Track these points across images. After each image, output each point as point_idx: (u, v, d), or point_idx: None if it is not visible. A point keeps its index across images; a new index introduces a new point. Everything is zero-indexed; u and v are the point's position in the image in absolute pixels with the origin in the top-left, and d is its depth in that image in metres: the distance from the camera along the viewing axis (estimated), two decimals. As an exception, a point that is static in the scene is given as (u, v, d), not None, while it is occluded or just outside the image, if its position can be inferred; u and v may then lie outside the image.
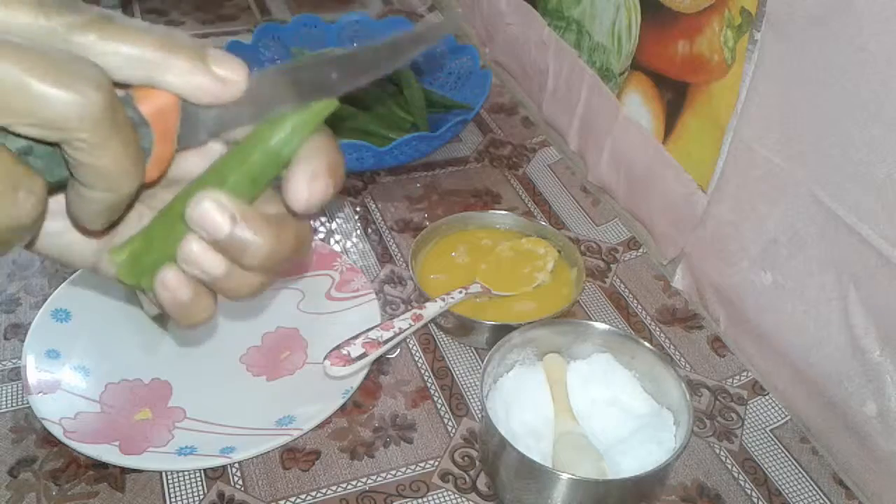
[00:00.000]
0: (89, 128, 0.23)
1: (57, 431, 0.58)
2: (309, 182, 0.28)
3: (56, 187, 0.26)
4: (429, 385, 0.66)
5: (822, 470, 0.61)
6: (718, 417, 0.65)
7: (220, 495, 0.57)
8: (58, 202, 0.30)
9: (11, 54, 0.23)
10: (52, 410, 0.59)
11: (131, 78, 0.26)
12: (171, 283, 0.29)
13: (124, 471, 0.58)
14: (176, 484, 0.58)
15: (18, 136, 0.24)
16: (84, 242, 0.32)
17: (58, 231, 0.31)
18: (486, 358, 0.60)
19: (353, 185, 0.88)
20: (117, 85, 0.25)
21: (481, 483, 0.59)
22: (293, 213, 0.29)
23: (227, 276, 0.29)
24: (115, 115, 0.24)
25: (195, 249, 0.28)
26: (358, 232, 0.82)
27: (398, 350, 0.69)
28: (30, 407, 0.60)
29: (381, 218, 0.84)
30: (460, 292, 0.69)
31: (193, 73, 0.26)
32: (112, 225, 0.29)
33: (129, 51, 0.25)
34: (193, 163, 0.31)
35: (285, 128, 0.28)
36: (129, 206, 0.28)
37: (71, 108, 0.23)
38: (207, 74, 0.26)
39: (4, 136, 0.24)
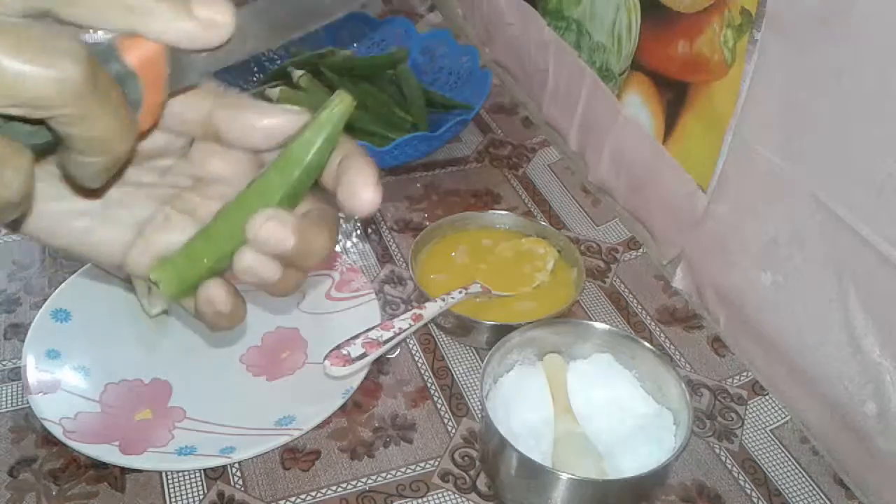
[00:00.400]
0: (72, 101, 0.23)
1: (57, 431, 0.58)
2: (373, 188, 0.30)
3: (43, 151, 0.26)
4: (429, 385, 0.66)
5: (822, 470, 0.61)
6: (718, 417, 0.65)
7: (220, 495, 0.57)
8: (84, 202, 0.31)
9: None
10: (52, 410, 0.59)
11: (115, 28, 0.25)
12: (217, 298, 0.30)
13: (124, 471, 0.58)
14: (176, 484, 0.58)
15: None
16: (111, 242, 0.32)
17: (85, 229, 0.31)
18: (486, 358, 0.60)
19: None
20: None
21: (481, 483, 0.59)
22: (350, 214, 0.31)
23: (281, 279, 0.30)
24: (96, 84, 0.23)
25: (250, 261, 0.29)
26: (358, 232, 0.82)
27: (398, 350, 0.69)
28: (30, 407, 0.60)
29: (381, 218, 0.84)
30: (460, 292, 0.69)
31: (177, 19, 0.25)
32: (110, 181, 0.28)
33: (110, 0, 0.24)
34: (192, 115, 0.31)
35: (317, 142, 0.29)
36: (129, 161, 0.27)
37: (50, 85, 0.22)
38: (192, 20, 0.25)
39: None
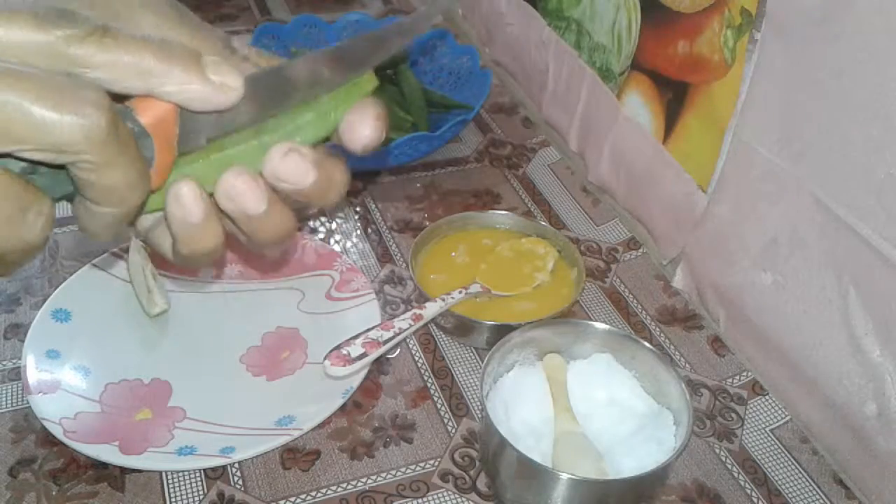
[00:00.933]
0: (94, 149, 0.24)
1: (57, 431, 0.58)
2: (371, 123, 0.30)
3: (61, 200, 0.27)
4: (429, 385, 0.66)
5: (822, 470, 0.61)
6: (718, 417, 0.65)
7: (220, 495, 0.57)
8: None
9: (11, 82, 0.23)
10: (52, 410, 0.59)
11: (130, 89, 0.26)
12: (187, 198, 0.28)
13: (124, 471, 0.58)
14: (176, 484, 0.58)
15: (20, 158, 0.24)
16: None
17: None
18: (486, 358, 0.60)
19: (353, 186, 0.88)
20: (116, 97, 0.26)
21: (481, 483, 0.59)
22: (352, 149, 0.30)
23: (265, 214, 0.29)
24: (117, 134, 0.24)
25: (239, 185, 0.28)
26: (358, 232, 0.82)
27: (398, 350, 0.69)
28: (30, 407, 0.60)
29: (381, 218, 0.84)
30: (460, 292, 0.69)
31: (190, 81, 0.26)
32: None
33: (127, 62, 0.25)
34: None
35: (336, 97, 0.29)
36: (137, 215, 0.28)
37: (74, 132, 0.23)
38: (204, 82, 0.27)
39: (5, 160, 0.24)
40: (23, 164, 0.25)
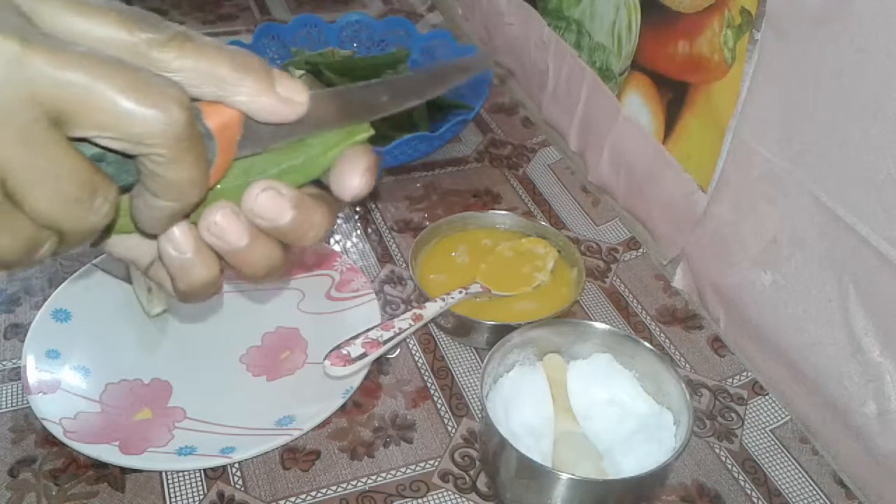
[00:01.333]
0: (170, 144, 0.25)
1: (57, 431, 0.58)
2: (360, 175, 0.30)
3: (124, 189, 0.27)
4: (429, 385, 0.66)
5: (822, 470, 0.61)
6: (718, 417, 0.65)
7: (220, 495, 0.57)
8: None
9: (99, 69, 0.24)
10: (52, 410, 0.59)
11: (203, 94, 0.27)
12: (175, 233, 0.29)
13: (124, 471, 0.58)
14: (176, 484, 0.58)
15: (94, 143, 0.25)
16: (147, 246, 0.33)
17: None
18: (486, 358, 0.60)
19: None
20: None
21: (481, 483, 0.59)
22: (339, 197, 0.31)
23: (248, 248, 0.30)
24: (192, 133, 0.25)
25: (219, 220, 0.29)
26: (358, 232, 0.82)
27: (398, 350, 0.69)
28: (30, 407, 0.60)
29: (381, 218, 0.84)
30: (460, 292, 0.69)
31: (261, 93, 0.27)
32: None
33: (205, 70, 0.26)
34: None
35: (328, 141, 0.30)
36: (188, 214, 0.29)
37: (155, 125, 0.24)
38: (273, 96, 0.28)
39: (81, 144, 0.25)
40: (95, 149, 0.25)
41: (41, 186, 0.24)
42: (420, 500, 0.58)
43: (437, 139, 0.88)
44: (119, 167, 0.26)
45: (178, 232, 0.29)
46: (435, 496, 0.58)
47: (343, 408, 0.62)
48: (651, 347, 0.62)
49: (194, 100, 0.27)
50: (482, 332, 0.68)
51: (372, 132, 0.31)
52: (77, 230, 0.26)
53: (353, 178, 0.30)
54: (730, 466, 0.61)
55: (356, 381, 0.63)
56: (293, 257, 0.75)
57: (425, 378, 0.67)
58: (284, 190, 0.29)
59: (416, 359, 0.69)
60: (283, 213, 0.29)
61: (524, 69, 1.02)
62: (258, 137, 0.29)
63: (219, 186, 0.29)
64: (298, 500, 0.57)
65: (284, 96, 0.28)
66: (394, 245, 0.80)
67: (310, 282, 0.74)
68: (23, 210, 0.24)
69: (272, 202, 0.29)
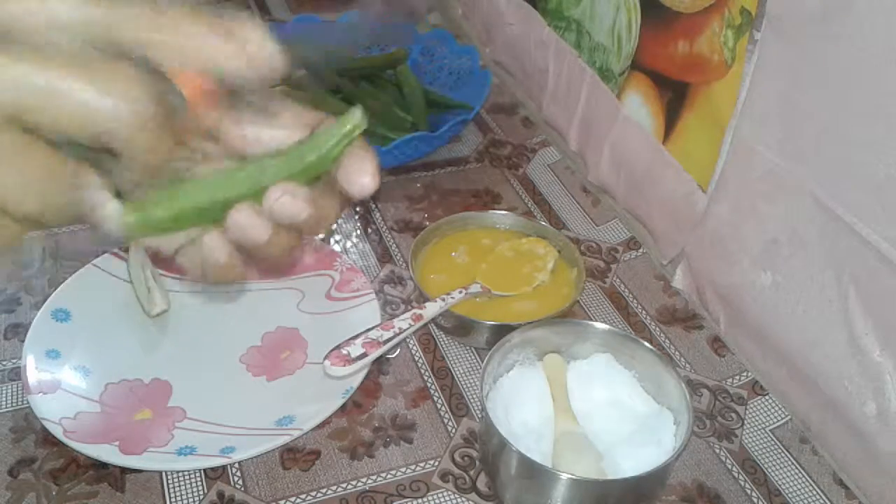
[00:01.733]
0: (136, 132, 0.25)
1: (57, 431, 0.58)
2: (371, 172, 0.32)
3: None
4: (429, 385, 0.66)
5: (822, 470, 0.61)
6: (718, 417, 0.65)
7: (220, 495, 0.57)
8: None
9: (55, 65, 0.23)
10: (52, 410, 0.59)
11: (176, 65, 0.27)
12: (211, 245, 0.31)
13: (124, 471, 0.58)
14: (176, 484, 0.58)
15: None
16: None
17: None
18: (486, 358, 0.60)
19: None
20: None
21: (481, 483, 0.59)
22: (348, 196, 0.33)
23: (269, 241, 0.32)
24: (159, 116, 0.25)
25: (243, 220, 0.31)
26: (358, 232, 0.82)
27: (398, 350, 0.69)
28: (30, 407, 0.60)
29: (381, 218, 0.84)
30: (460, 292, 0.69)
31: (231, 55, 0.27)
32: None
33: (176, 42, 0.26)
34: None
35: (335, 137, 0.31)
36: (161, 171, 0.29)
37: (119, 116, 0.24)
38: (241, 53, 0.28)
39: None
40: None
41: (22, 191, 0.24)
42: (420, 500, 0.58)
43: (437, 139, 0.88)
44: (95, 154, 0.26)
45: (214, 244, 0.31)
46: (435, 496, 0.58)
47: (343, 408, 0.62)
48: (651, 347, 0.62)
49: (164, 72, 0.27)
50: (482, 332, 0.68)
51: (366, 125, 0.32)
52: (63, 220, 0.26)
53: (364, 176, 0.32)
54: (730, 466, 0.61)
55: (356, 381, 0.63)
56: (295, 256, 0.75)
57: (425, 378, 0.67)
58: (299, 191, 0.30)
59: (416, 359, 0.69)
60: (301, 212, 0.31)
61: (524, 69, 1.02)
62: (235, 100, 0.30)
63: (233, 196, 0.31)
64: (298, 500, 0.57)
65: (253, 54, 0.28)
66: (394, 245, 0.80)
67: (310, 282, 0.74)
68: (6, 212, 0.25)
69: (291, 204, 0.30)
